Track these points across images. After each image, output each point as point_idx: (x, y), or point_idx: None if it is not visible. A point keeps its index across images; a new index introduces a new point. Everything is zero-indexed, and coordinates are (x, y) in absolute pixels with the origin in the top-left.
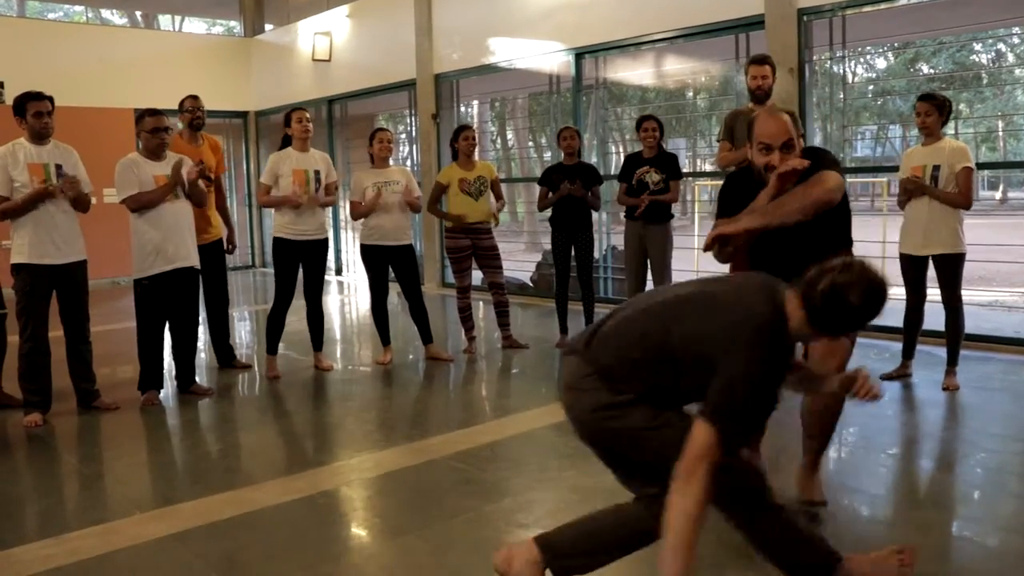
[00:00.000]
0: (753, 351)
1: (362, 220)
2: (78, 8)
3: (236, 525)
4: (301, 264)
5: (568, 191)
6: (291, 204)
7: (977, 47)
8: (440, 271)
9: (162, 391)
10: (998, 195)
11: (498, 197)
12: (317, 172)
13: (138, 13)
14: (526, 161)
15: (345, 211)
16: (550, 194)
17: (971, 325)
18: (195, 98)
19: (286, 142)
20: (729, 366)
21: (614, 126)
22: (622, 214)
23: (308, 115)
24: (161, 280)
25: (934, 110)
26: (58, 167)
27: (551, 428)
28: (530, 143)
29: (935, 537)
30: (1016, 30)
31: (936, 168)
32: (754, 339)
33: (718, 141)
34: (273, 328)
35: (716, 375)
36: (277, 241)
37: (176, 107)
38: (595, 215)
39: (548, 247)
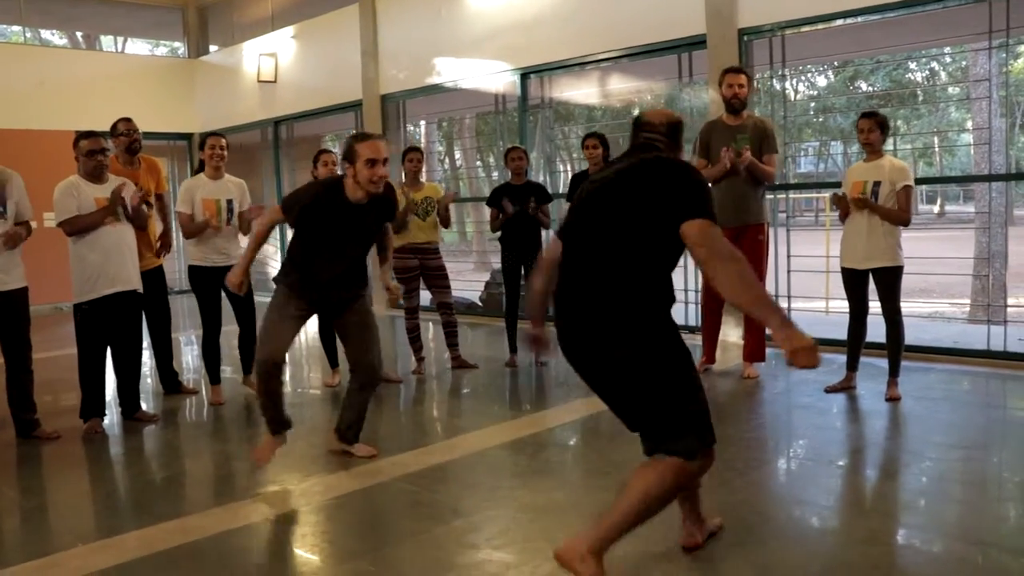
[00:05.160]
0: None
1: None
2: (15, 28)
3: (183, 555)
4: (223, 290)
5: (511, 211)
6: (212, 229)
7: (912, 66)
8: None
9: (106, 418)
10: (936, 209)
11: (445, 223)
12: (230, 201)
13: (79, 34)
14: (474, 181)
15: (289, 234)
16: (500, 215)
17: (912, 336)
18: (128, 120)
19: (201, 167)
20: None
21: (561, 145)
22: None
23: (224, 141)
24: (102, 304)
25: (876, 127)
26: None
27: (502, 447)
28: (478, 163)
29: (881, 546)
30: (948, 50)
31: (876, 184)
32: None
33: (692, 154)
34: (210, 357)
35: None
36: (193, 269)
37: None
38: (544, 234)
39: (497, 266)
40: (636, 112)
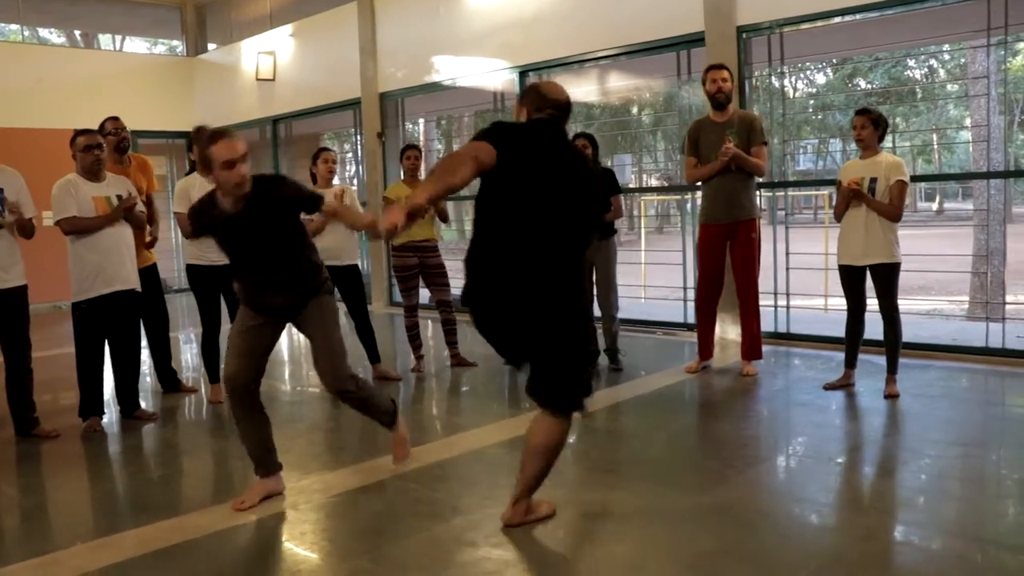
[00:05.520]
0: None
1: None
2: (14, 27)
3: (182, 553)
4: (220, 290)
5: None
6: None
7: (911, 63)
8: (388, 290)
9: (105, 417)
10: (935, 206)
11: (443, 218)
12: None
13: (77, 32)
14: None
15: None
16: None
17: (910, 333)
18: (116, 119)
19: (193, 167)
20: None
21: None
22: None
23: None
24: (100, 303)
25: (869, 123)
26: (0, 191)
27: (501, 445)
28: None
29: (879, 543)
30: (946, 47)
31: (873, 181)
32: None
33: (685, 156)
34: (209, 356)
35: None
36: (191, 268)
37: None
38: None
39: None
40: (638, 106)
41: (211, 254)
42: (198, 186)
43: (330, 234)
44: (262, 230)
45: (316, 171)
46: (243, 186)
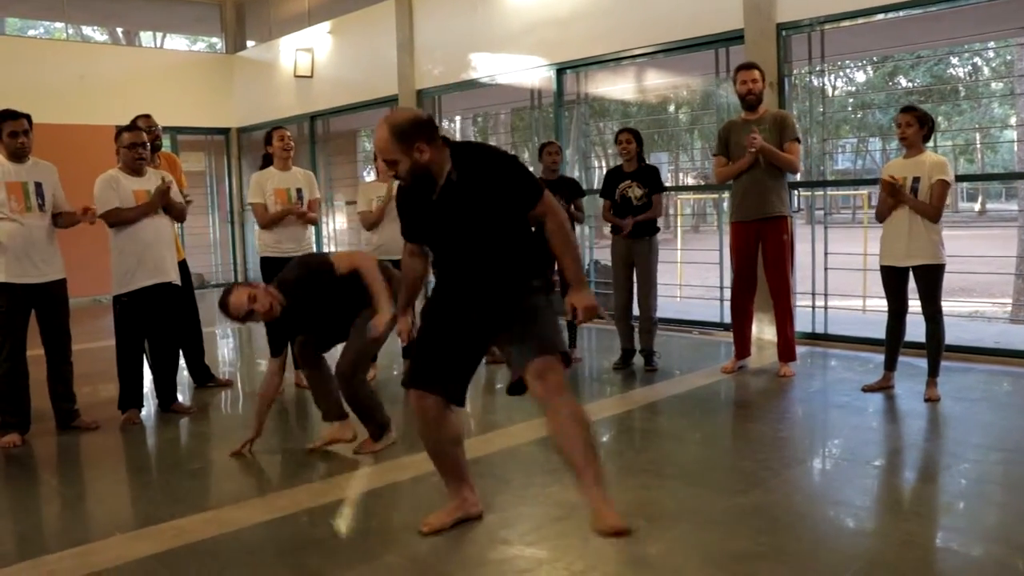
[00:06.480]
0: None
1: (365, 236)
2: (58, 25)
3: (219, 545)
4: None
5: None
6: (295, 214)
7: (954, 61)
8: (425, 288)
9: (143, 410)
10: (977, 207)
11: None
12: (299, 190)
13: (119, 30)
14: None
15: (329, 228)
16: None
17: (951, 336)
18: (147, 117)
19: (267, 161)
20: None
21: (596, 140)
22: (607, 229)
23: (289, 133)
24: (141, 296)
25: (915, 121)
26: (37, 185)
27: (535, 443)
28: None
29: (919, 549)
30: (991, 44)
31: (916, 180)
32: None
33: (713, 155)
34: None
35: None
36: (266, 261)
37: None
38: (578, 229)
39: None
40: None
41: (287, 245)
42: (272, 178)
43: (390, 229)
44: None
45: (378, 166)
46: None
